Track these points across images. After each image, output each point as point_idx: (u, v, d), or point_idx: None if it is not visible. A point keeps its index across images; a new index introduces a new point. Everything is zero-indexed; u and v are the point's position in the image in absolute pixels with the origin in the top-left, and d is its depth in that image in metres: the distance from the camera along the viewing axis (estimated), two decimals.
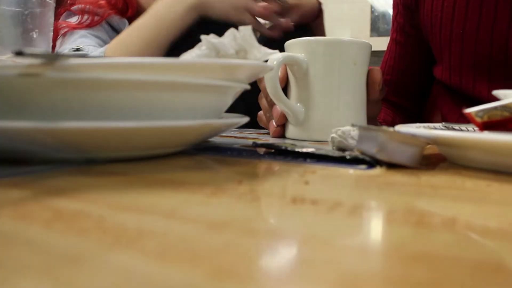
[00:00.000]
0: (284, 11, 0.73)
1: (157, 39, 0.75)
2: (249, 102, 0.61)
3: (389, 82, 0.71)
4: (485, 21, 0.53)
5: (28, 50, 0.21)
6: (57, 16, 0.95)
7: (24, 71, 0.21)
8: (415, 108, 0.72)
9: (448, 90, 0.64)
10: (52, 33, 0.43)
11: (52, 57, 0.21)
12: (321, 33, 0.82)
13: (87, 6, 0.94)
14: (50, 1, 0.41)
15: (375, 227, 0.15)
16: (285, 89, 0.46)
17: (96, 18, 0.94)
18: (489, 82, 0.55)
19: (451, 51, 0.58)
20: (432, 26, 0.60)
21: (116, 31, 0.99)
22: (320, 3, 0.81)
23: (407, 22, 0.67)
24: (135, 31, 0.77)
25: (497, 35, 0.52)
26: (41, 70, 0.21)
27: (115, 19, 0.98)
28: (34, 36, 0.40)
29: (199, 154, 0.30)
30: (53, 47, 0.96)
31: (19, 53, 0.21)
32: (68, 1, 0.99)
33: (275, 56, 0.42)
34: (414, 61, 0.69)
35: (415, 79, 0.70)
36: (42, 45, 0.40)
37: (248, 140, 0.41)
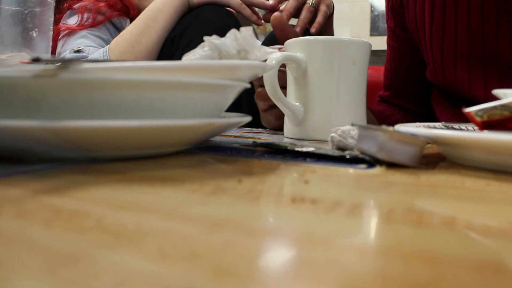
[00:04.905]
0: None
1: (152, 24, 0.83)
2: (250, 101, 0.61)
3: (389, 87, 0.72)
4: (461, 22, 0.55)
5: (44, 57, 0.22)
6: (57, 21, 0.96)
7: (39, 73, 0.21)
8: (421, 109, 0.72)
9: (440, 92, 0.65)
10: (52, 32, 0.43)
11: (66, 63, 0.22)
12: (331, 30, 0.83)
13: (89, 5, 0.95)
14: (50, 0, 0.41)
15: (375, 227, 0.15)
16: (284, 88, 0.46)
17: (99, 18, 0.96)
18: (469, 80, 0.56)
19: (433, 52, 0.59)
20: (418, 30, 0.61)
21: (119, 30, 1.00)
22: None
23: (397, 26, 0.68)
24: (131, 24, 0.86)
25: (473, 34, 0.54)
26: (55, 72, 0.22)
27: (117, 19, 1.00)
28: (34, 35, 0.40)
29: (199, 153, 0.30)
30: (54, 48, 0.97)
31: (36, 60, 0.21)
32: (65, 5, 0.99)
33: (274, 55, 0.41)
34: (408, 64, 0.70)
35: (413, 81, 0.70)
36: (41, 44, 0.40)
37: (248, 139, 0.41)
